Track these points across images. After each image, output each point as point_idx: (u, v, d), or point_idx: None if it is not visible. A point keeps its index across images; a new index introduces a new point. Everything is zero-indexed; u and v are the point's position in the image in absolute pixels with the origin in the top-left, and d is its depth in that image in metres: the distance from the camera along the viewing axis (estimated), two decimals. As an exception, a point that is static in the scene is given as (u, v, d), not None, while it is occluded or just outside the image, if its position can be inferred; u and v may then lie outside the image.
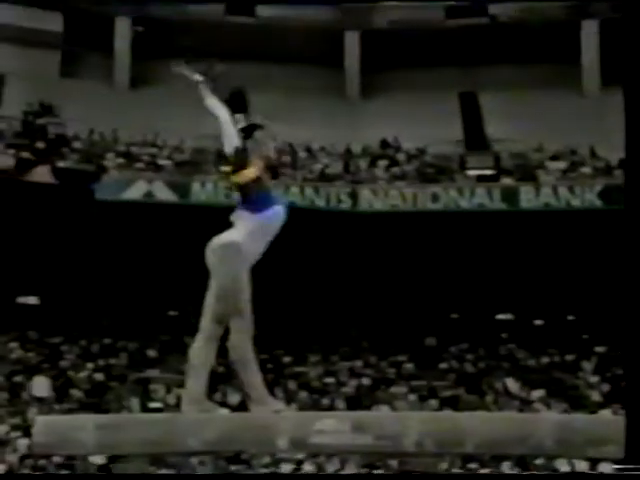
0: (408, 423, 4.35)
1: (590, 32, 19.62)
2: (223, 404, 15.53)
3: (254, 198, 4.50)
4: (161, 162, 17.65)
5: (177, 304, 17.54)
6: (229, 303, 4.53)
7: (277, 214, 4.58)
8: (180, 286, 14.75)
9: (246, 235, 4.50)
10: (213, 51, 19.72)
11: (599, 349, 17.34)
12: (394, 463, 13.42)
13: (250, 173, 4.52)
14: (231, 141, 4.56)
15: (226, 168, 4.67)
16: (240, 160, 4.55)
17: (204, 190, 16.54)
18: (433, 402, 16.02)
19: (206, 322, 4.61)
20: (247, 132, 4.66)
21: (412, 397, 16.32)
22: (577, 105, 18.86)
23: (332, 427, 4.35)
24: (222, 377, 16.76)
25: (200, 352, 4.59)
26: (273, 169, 4.72)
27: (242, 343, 4.56)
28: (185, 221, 15.53)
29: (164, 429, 4.29)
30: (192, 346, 4.67)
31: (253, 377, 4.62)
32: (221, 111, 4.61)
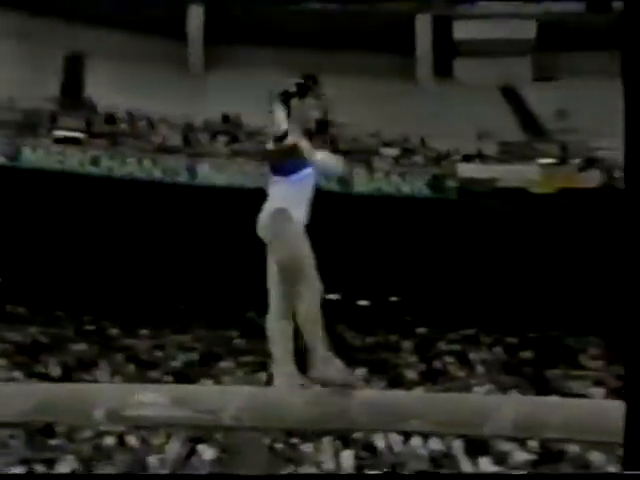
0: (226, 397, 4.42)
1: (424, 26, 20.49)
2: (45, 375, 15.08)
3: (288, 164, 4.45)
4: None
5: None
6: (295, 270, 4.46)
7: (308, 175, 4.53)
8: None
9: (287, 200, 4.46)
10: (50, 8, 18.95)
11: (420, 330, 18.18)
12: (219, 437, 13.52)
13: (288, 143, 4.46)
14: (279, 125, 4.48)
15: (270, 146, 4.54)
16: (283, 136, 4.47)
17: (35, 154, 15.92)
18: (261, 378, 16.24)
19: (274, 299, 4.58)
20: (298, 93, 4.54)
21: (239, 373, 16.48)
22: (410, 94, 19.59)
23: (151, 400, 4.35)
24: (45, 347, 16.29)
25: (278, 329, 4.61)
26: (310, 134, 4.66)
27: (311, 311, 4.52)
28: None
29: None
30: (268, 327, 4.67)
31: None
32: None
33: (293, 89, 4.59)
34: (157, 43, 19.84)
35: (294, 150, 4.48)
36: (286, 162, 4.48)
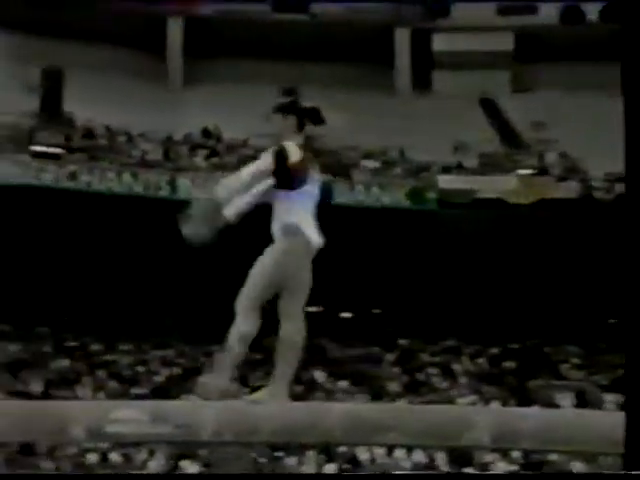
0: (205, 412, 4.42)
1: (402, 38, 20.69)
2: (24, 394, 14.96)
3: (297, 179, 4.47)
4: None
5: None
6: (296, 286, 4.60)
7: (312, 191, 4.55)
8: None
9: (295, 215, 4.50)
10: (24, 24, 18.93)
11: (402, 342, 18.20)
12: (205, 452, 13.46)
13: (294, 159, 4.47)
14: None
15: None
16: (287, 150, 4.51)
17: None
18: (244, 391, 16.20)
19: (255, 294, 4.57)
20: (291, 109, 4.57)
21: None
22: (390, 106, 19.70)
23: (129, 416, 4.34)
24: (26, 364, 16.17)
25: (244, 334, 4.55)
26: (314, 152, 4.69)
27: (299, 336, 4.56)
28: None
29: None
30: (236, 328, 4.56)
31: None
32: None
33: (289, 103, 4.65)
34: (136, 57, 19.85)
35: (302, 165, 4.52)
36: (296, 176, 4.51)
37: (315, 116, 4.60)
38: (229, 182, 4.60)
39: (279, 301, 4.73)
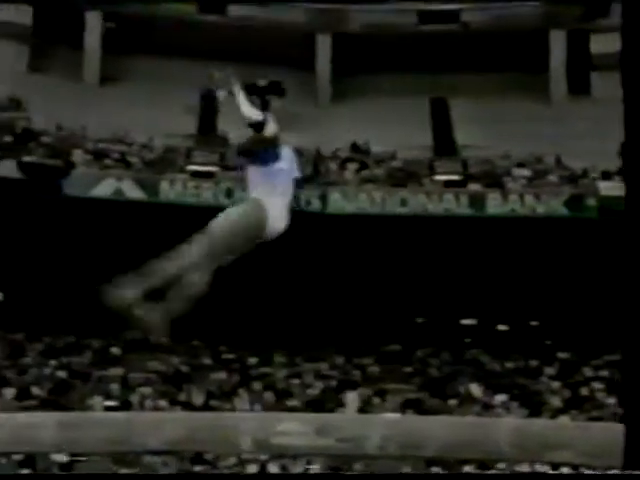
0: (370, 426, 4.39)
1: (558, 41, 19.94)
2: (187, 404, 15.48)
3: (267, 154, 4.58)
4: (130, 159, 17.55)
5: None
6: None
7: (283, 168, 4.68)
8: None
9: (260, 190, 4.58)
10: (184, 49, 19.78)
11: (561, 355, 17.54)
12: (359, 466, 13.45)
13: (269, 133, 4.55)
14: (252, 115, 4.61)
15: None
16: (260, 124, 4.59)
17: (173, 189, 16.51)
18: (396, 405, 16.09)
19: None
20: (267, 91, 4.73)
21: (376, 400, 16.38)
22: (543, 113, 19.10)
23: (295, 429, 4.37)
24: (187, 377, 16.75)
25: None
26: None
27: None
28: (153, 219, 15.46)
29: (124, 428, 4.28)
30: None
31: None
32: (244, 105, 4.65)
33: (264, 84, 4.65)
34: (284, 76, 20.25)
35: (273, 141, 4.50)
36: (265, 151, 4.48)
37: (276, 89, 4.59)
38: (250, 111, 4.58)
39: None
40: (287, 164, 4.59)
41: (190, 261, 4.48)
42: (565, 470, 12.60)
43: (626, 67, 3.25)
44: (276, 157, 4.53)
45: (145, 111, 18.00)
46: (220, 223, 4.53)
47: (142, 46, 19.95)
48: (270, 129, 4.52)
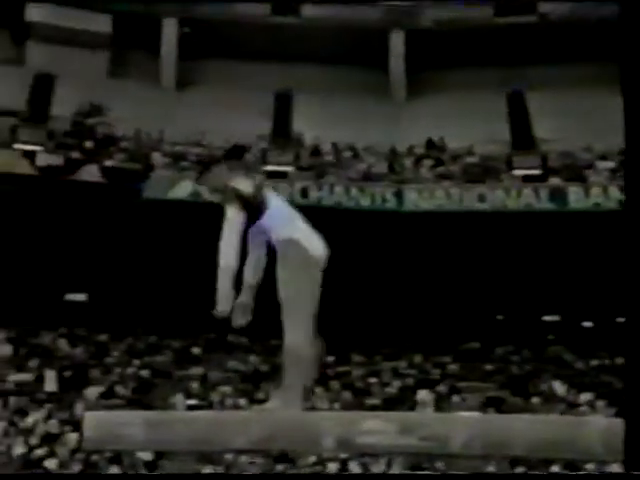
0: (454, 424, 4.31)
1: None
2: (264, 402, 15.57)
3: (254, 211, 4.65)
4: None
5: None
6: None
7: (273, 204, 4.74)
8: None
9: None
10: (258, 51, 19.97)
11: (649, 352, 17.00)
12: (441, 465, 13.34)
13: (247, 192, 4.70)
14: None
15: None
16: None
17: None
18: (477, 404, 15.89)
19: (310, 317, 4.95)
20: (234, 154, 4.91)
21: (456, 398, 16.21)
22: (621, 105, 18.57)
23: (377, 427, 4.33)
24: (265, 376, 16.88)
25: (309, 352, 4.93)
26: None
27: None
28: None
29: (211, 427, 4.32)
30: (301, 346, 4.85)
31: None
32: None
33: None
34: (359, 73, 20.20)
35: (255, 195, 4.66)
36: (253, 208, 4.62)
37: (236, 153, 4.70)
38: (229, 259, 4.73)
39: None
40: (274, 200, 4.65)
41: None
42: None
43: (626, 66, 3.16)
44: (264, 205, 4.61)
45: (221, 114, 18.22)
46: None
47: (217, 50, 20.21)
48: (242, 185, 4.63)
